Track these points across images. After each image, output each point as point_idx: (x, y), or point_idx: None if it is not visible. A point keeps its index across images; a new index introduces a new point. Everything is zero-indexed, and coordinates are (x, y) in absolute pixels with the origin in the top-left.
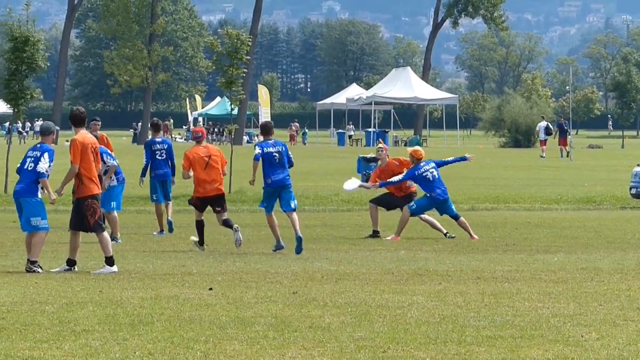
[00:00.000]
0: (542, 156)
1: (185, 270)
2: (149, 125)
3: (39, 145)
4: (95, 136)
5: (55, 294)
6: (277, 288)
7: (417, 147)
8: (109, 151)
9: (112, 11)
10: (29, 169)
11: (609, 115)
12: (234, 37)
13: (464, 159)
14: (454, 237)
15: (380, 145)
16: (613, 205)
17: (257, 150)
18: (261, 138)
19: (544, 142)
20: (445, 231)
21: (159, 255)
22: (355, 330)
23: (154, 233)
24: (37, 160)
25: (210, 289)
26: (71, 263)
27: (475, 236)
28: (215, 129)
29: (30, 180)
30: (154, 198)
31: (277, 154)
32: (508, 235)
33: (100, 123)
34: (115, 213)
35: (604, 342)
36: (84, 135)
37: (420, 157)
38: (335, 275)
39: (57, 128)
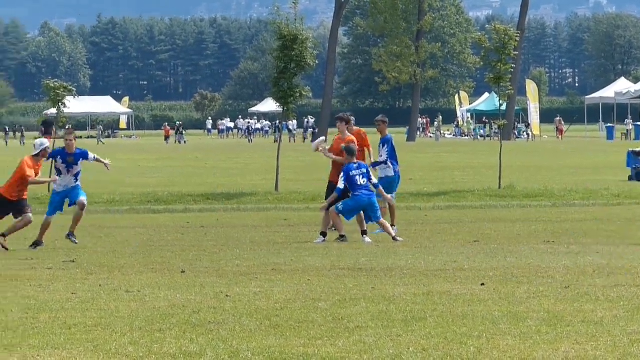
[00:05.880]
0: None
1: (457, 266)
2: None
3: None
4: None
5: (328, 291)
6: (549, 283)
7: None
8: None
9: (380, 8)
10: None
11: None
12: (502, 33)
13: None
14: None
15: None
16: None
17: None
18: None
19: None
20: None
21: (430, 251)
22: (628, 325)
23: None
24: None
25: (482, 284)
26: None
27: None
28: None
29: None
30: None
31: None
32: None
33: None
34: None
35: None
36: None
37: None
38: (607, 269)
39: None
